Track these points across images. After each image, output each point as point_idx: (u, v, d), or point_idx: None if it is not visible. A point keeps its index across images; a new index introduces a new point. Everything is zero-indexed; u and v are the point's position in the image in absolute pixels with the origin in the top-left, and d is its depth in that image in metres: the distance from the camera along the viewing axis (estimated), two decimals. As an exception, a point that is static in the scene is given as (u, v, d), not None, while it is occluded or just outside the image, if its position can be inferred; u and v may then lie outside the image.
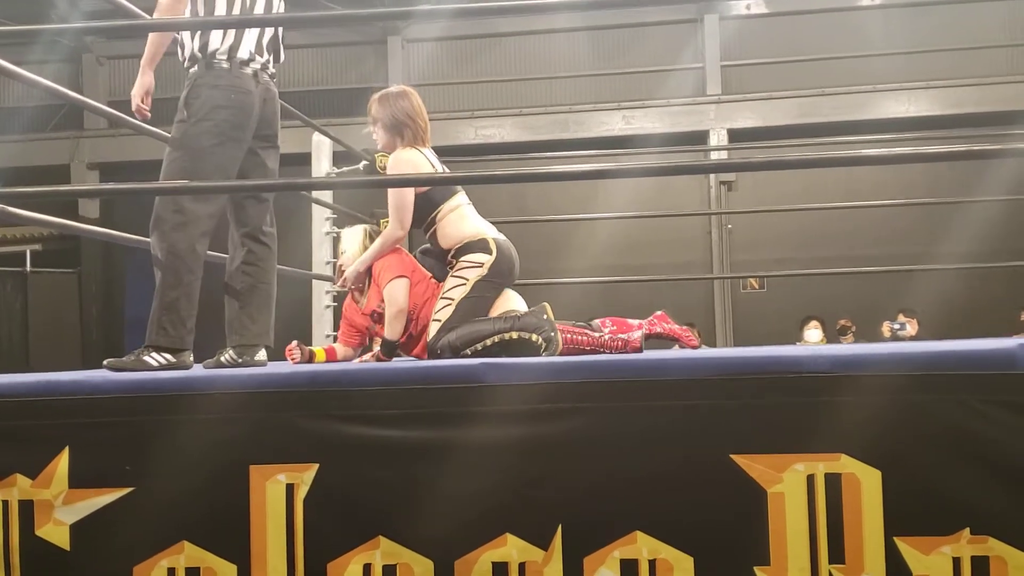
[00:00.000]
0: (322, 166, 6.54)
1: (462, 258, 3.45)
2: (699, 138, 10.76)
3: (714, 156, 10.30)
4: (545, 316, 3.27)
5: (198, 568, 2.23)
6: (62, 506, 2.27)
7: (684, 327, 3.64)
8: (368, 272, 3.65)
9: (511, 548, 2.16)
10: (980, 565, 2.04)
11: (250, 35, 3.29)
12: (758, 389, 2.16)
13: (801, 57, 10.72)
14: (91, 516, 2.26)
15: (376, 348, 3.58)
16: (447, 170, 3.76)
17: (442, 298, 3.41)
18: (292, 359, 3.64)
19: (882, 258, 8.94)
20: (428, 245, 3.63)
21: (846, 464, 2.09)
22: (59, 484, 2.27)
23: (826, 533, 2.08)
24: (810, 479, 2.10)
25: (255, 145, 3.36)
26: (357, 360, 3.66)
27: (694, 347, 3.68)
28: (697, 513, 2.13)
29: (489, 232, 3.51)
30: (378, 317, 3.61)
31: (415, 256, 3.75)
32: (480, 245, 3.45)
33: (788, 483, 2.10)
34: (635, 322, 3.53)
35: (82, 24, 9.40)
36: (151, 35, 3.29)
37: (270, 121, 3.41)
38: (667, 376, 2.24)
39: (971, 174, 8.21)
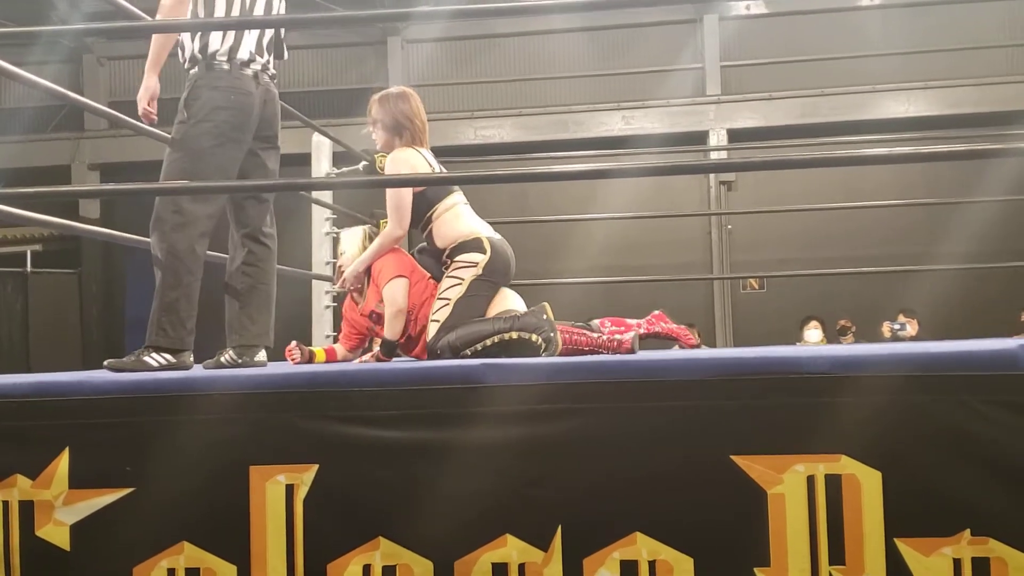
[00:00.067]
0: (322, 166, 6.55)
1: (456, 258, 3.46)
2: (699, 138, 10.76)
3: (714, 156, 10.30)
4: (545, 316, 3.27)
5: (198, 569, 2.23)
6: (62, 506, 2.27)
7: (682, 326, 3.65)
8: (367, 272, 3.65)
9: (511, 549, 2.16)
10: (981, 566, 2.04)
11: (250, 36, 3.29)
12: (758, 390, 2.16)
13: (800, 57, 10.73)
14: (91, 516, 2.26)
15: (376, 348, 3.58)
16: (444, 170, 3.76)
17: (439, 298, 3.42)
18: (292, 360, 3.65)
19: (882, 258, 8.94)
20: (425, 244, 3.63)
21: (846, 465, 2.08)
22: (59, 484, 2.27)
23: (826, 534, 2.08)
24: (810, 480, 2.10)
25: (255, 146, 3.36)
26: (357, 361, 3.66)
27: (692, 346, 3.68)
28: (697, 514, 2.13)
29: (484, 231, 3.51)
30: (377, 317, 3.61)
31: (413, 256, 3.75)
32: (474, 244, 3.46)
33: (788, 484, 2.10)
34: (633, 322, 3.53)
35: (83, 25, 9.39)
36: (154, 38, 3.29)
37: (270, 122, 3.41)
38: (667, 377, 2.24)
39: (971, 174, 8.20)
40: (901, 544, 2.06)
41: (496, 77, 11.62)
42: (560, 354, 3.21)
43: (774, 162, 2.98)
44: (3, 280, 11.04)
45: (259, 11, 3.34)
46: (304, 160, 6.48)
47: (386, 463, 2.21)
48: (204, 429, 2.27)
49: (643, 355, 2.99)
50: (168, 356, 3.10)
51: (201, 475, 2.25)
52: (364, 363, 3.49)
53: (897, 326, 8.36)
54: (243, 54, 3.27)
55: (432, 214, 3.52)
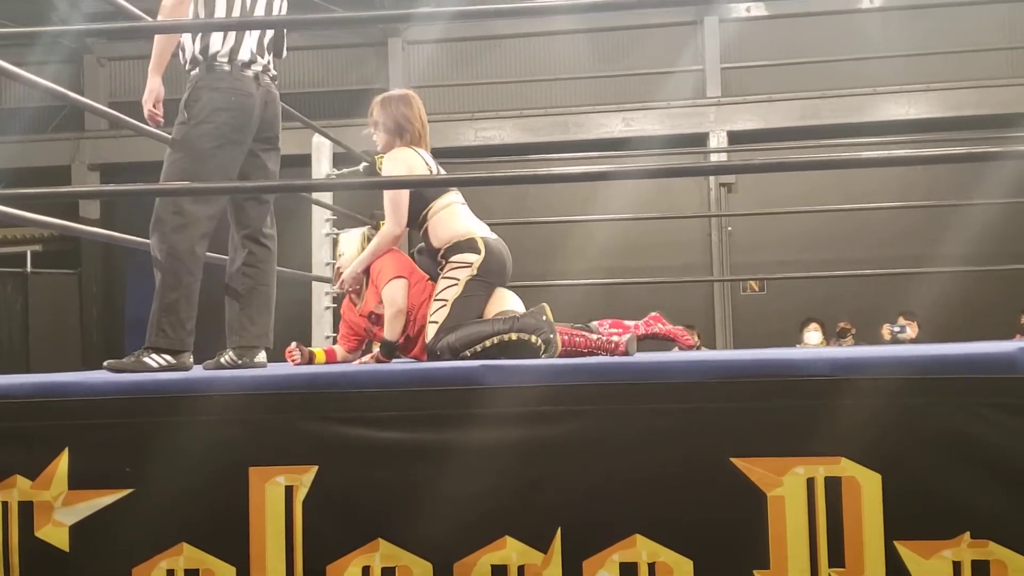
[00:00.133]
0: (322, 167, 6.55)
1: (451, 258, 3.46)
2: (699, 140, 10.77)
3: (714, 158, 10.30)
4: (544, 317, 3.27)
5: (197, 570, 2.23)
6: (62, 507, 2.27)
7: (680, 327, 3.65)
8: (366, 273, 3.65)
9: (510, 551, 2.16)
10: (980, 569, 2.04)
11: (251, 37, 3.29)
12: (758, 392, 2.16)
13: (801, 59, 10.73)
14: (90, 517, 2.26)
15: (376, 349, 3.58)
16: (443, 171, 3.77)
17: (436, 299, 3.42)
18: (292, 361, 3.64)
19: (882, 261, 8.94)
20: (423, 245, 3.64)
21: (846, 467, 2.08)
22: (59, 485, 2.27)
23: (826, 537, 2.08)
24: (810, 482, 2.09)
25: (256, 147, 3.36)
26: (357, 362, 3.66)
27: (690, 346, 3.69)
28: (697, 516, 2.13)
29: (479, 231, 3.51)
30: (376, 318, 3.61)
31: (412, 256, 3.76)
32: (468, 245, 3.46)
33: (788, 486, 2.10)
34: (631, 323, 3.54)
35: (83, 26, 9.40)
36: (156, 40, 3.29)
37: (271, 123, 3.41)
38: (667, 379, 2.24)
39: (971, 177, 8.22)
40: (901, 547, 2.06)
41: (497, 78, 11.62)
42: (559, 355, 3.21)
43: (774, 164, 2.99)
44: (3, 280, 11.04)
45: (260, 12, 3.34)
46: (304, 161, 6.48)
47: (386, 464, 2.21)
48: (204, 430, 2.27)
49: (643, 357, 2.99)
50: (168, 357, 3.10)
51: (200, 476, 2.25)
52: (364, 364, 3.49)
53: (897, 328, 8.37)
54: (244, 55, 3.27)
55: (427, 212, 3.52)
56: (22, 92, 11.71)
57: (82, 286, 11.96)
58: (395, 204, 3.52)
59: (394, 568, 2.18)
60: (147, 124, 3.45)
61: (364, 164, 6.54)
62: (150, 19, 3.86)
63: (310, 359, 3.68)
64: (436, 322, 3.36)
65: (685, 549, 2.12)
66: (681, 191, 10.68)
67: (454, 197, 3.57)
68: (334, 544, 2.21)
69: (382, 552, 2.19)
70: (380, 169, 3.89)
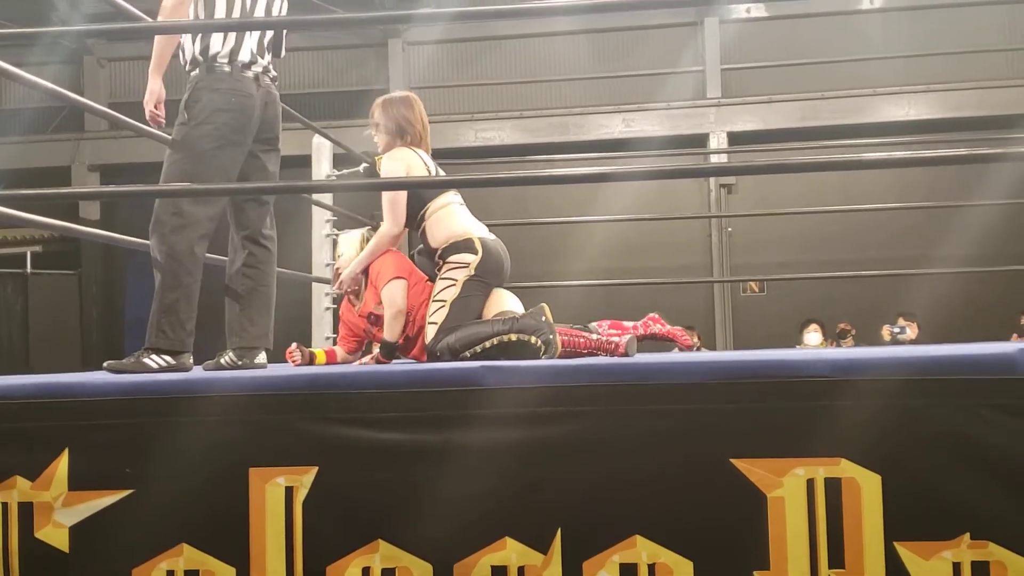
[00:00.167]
0: (322, 168, 6.55)
1: (448, 259, 3.46)
2: (699, 141, 10.77)
3: (714, 159, 10.30)
4: (544, 318, 3.27)
5: (197, 571, 2.23)
6: (61, 508, 2.27)
7: (678, 328, 3.65)
8: (364, 274, 3.65)
9: (510, 552, 2.16)
10: (980, 570, 2.04)
11: (251, 38, 3.29)
12: (758, 393, 2.16)
13: (801, 60, 10.74)
14: (90, 518, 2.26)
15: (375, 350, 3.58)
16: (441, 172, 3.77)
17: (434, 300, 3.42)
18: (293, 362, 3.64)
19: (882, 261, 8.94)
20: (422, 246, 3.64)
21: (846, 468, 2.08)
22: (59, 486, 2.27)
23: (826, 538, 2.08)
24: (810, 483, 2.09)
25: (256, 148, 3.36)
26: (357, 363, 3.66)
27: (689, 346, 3.70)
28: (697, 517, 2.13)
29: (476, 231, 3.51)
30: (375, 319, 3.61)
31: (412, 258, 3.76)
32: (465, 245, 3.46)
33: (788, 487, 2.10)
34: (630, 324, 3.54)
35: (84, 27, 9.40)
36: (156, 41, 3.30)
37: (271, 124, 3.41)
38: (667, 380, 2.24)
39: (971, 178, 8.21)
40: (901, 548, 2.06)
41: (497, 79, 11.63)
42: (559, 356, 3.22)
43: (774, 166, 2.99)
44: (3, 281, 11.05)
45: (260, 12, 3.34)
46: (304, 162, 6.48)
47: (386, 465, 2.21)
48: (204, 431, 2.27)
49: (643, 358, 2.99)
50: (168, 358, 3.10)
51: (201, 477, 2.25)
52: (364, 365, 3.49)
53: (897, 329, 8.37)
54: (244, 56, 3.27)
55: (425, 212, 3.53)
56: (22, 93, 11.71)
57: (82, 287, 11.97)
58: (393, 204, 3.53)
59: (394, 569, 2.18)
60: (147, 125, 3.45)
61: (364, 165, 6.54)
62: (150, 20, 3.86)
63: (310, 360, 3.68)
64: (435, 323, 3.36)
65: (685, 550, 2.12)
66: (681, 192, 10.69)
67: (452, 197, 3.57)
68: (334, 545, 2.21)
69: (382, 553, 2.19)
70: (380, 170, 3.89)
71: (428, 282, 3.56)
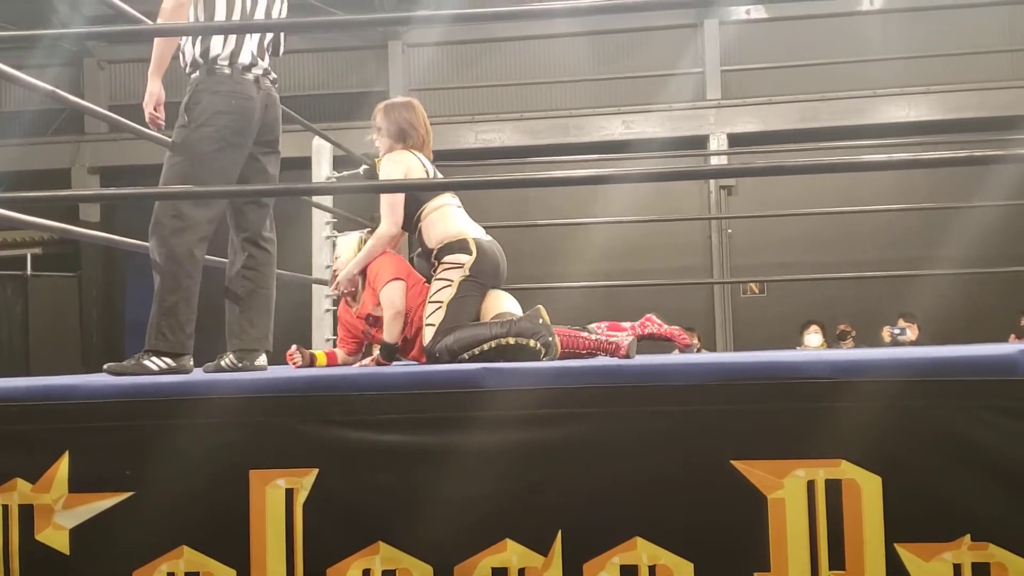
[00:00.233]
0: (322, 170, 6.55)
1: (443, 259, 3.46)
2: (699, 143, 10.76)
3: (714, 161, 10.29)
4: (541, 320, 3.27)
5: (197, 572, 2.23)
6: (62, 510, 2.27)
7: (675, 327, 3.65)
8: (362, 275, 3.65)
9: (511, 554, 2.15)
10: (981, 571, 2.04)
11: (251, 40, 3.29)
12: (758, 394, 2.16)
13: (801, 62, 10.74)
14: (91, 520, 2.26)
15: (376, 352, 3.58)
16: (439, 174, 3.78)
17: (431, 302, 3.41)
18: (293, 364, 3.64)
19: (882, 263, 8.94)
20: (419, 248, 3.64)
21: (846, 470, 2.08)
22: (59, 488, 2.27)
23: (826, 539, 2.08)
24: (810, 485, 2.09)
25: (256, 151, 3.36)
26: (357, 364, 3.66)
27: (687, 345, 3.70)
28: (697, 519, 2.13)
29: (471, 232, 3.51)
30: (373, 320, 3.61)
31: (411, 259, 3.76)
32: (460, 245, 3.46)
33: (788, 489, 2.10)
34: (627, 325, 3.54)
35: (84, 29, 9.41)
36: (156, 43, 3.30)
37: (271, 127, 3.41)
38: (667, 381, 2.24)
39: (971, 179, 8.21)
40: (901, 549, 2.06)
41: (497, 81, 11.62)
42: (559, 357, 3.22)
43: (774, 167, 2.99)
44: (3, 283, 11.04)
45: (260, 14, 3.34)
46: (304, 164, 6.48)
47: (386, 467, 2.21)
48: (204, 433, 2.27)
49: (643, 359, 2.99)
50: (168, 360, 3.10)
51: (201, 479, 2.25)
52: (364, 367, 3.49)
53: (897, 331, 8.37)
54: (245, 58, 3.27)
55: (420, 214, 3.53)
56: (22, 95, 11.70)
57: (82, 289, 11.96)
58: (391, 205, 3.53)
59: (394, 571, 2.18)
60: (147, 127, 3.45)
61: (364, 167, 6.54)
62: (150, 22, 3.86)
63: (311, 362, 3.68)
64: (432, 324, 3.36)
65: (685, 551, 2.12)
66: (681, 193, 10.67)
67: (448, 199, 3.57)
68: (335, 547, 2.21)
69: (382, 555, 2.19)
70: (379, 172, 3.90)
71: (426, 283, 3.56)
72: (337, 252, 3.86)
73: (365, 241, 3.71)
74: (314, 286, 6.49)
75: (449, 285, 3.39)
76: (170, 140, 3.33)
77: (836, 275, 8.75)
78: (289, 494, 2.23)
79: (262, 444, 2.26)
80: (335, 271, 3.82)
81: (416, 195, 3.53)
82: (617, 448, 2.17)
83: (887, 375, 2.14)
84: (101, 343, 11.78)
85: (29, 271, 11.47)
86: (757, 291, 10.99)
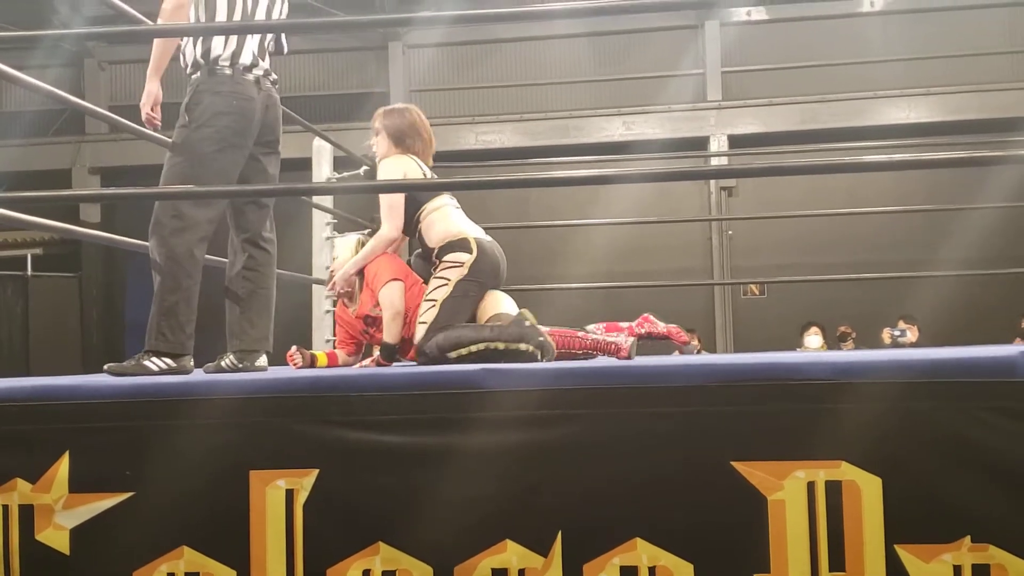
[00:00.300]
0: (322, 171, 6.55)
1: (444, 258, 3.46)
2: (699, 144, 10.77)
3: (714, 162, 10.29)
4: (527, 323, 3.27)
5: (198, 573, 2.23)
6: (62, 511, 2.27)
7: (672, 325, 3.66)
8: (360, 276, 3.66)
9: (511, 554, 2.15)
10: (981, 573, 2.04)
11: (252, 41, 3.29)
12: (758, 396, 2.16)
13: (801, 63, 10.75)
14: (91, 521, 2.26)
15: (376, 353, 3.58)
16: (436, 176, 3.78)
17: (426, 300, 3.41)
18: (294, 365, 3.64)
19: (882, 264, 8.94)
20: (420, 249, 3.64)
21: (846, 471, 2.08)
22: (59, 488, 2.27)
23: (826, 540, 2.08)
24: (810, 486, 2.09)
25: (256, 151, 3.36)
26: (357, 365, 3.66)
27: (684, 342, 3.70)
28: (697, 520, 2.13)
29: (472, 232, 3.51)
30: (371, 321, 3.61)
31: (411, 260, 3.76)
32: (460, 244, 3.45)
33: (788, 490, 2.10)
34: (625, 325, 3.54)
35: (84, 29, 9.42)
36: (155, 43, 3.30)
37: (272, 127, 3.41)
38: (667, 383, 2.23)
39: (971, 181, 8.21)
40: (901, 550, 2.06)
41: (497, 82, 11.63)
42: (556, 357, 3.22)
43: (774, 168, 2.99)
44: (3, 284, 11.05)
45: (261, 15, 3.34)
46: (305, 165, 6.48)
47: (386, 468, 2.21)
48: (204, 433, 2.27)
49: (643, 360, 2.99)
50: (168, 360, 3.10)
51: (201, 479, 2.25)
52: (365, 367, 3.49)
53: (897, 332, 8.37)
54: (246, 59, 3.27)
55: (420, 215, 3.53)
56: (23, 96, 11.72)
57: (82, 289, 11.97)
58: (391, 208, 3.53)
59: (395, 571, 2.18)
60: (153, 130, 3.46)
61: (364, 168, 6.54)
62: (150, 23, 3.86)
63: (312, 362, 3.68)
64: (425, 322, 3.36)
65: (685, 553, 2.12)
66: (682, 195, 10.68)
67: (446, 199, 3.58)
68: (335, 548, 2.20)
69: (382, 556, 2.19)
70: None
71: (424, 284, 3.57)
72: (335, 253, 3.87)
73: (363, 243, 3.71)
74: (314, 287, 6.49)
75: (446, 284, 3.39)
76: (170, 140, 3.33)
77: (836, 277, 8.76)
78: (289, 495, 2.23)
79: (262, 445, 2.26)
80: (332, 271, 3.82)
81: (415, 197, 3.53)
82: (617, 449, 2.17)
83: (887, 376, 2.14)
84: (101, 343, 11.79)
85: (30, 271, 11.48)
86: (757, 292, 11.00)
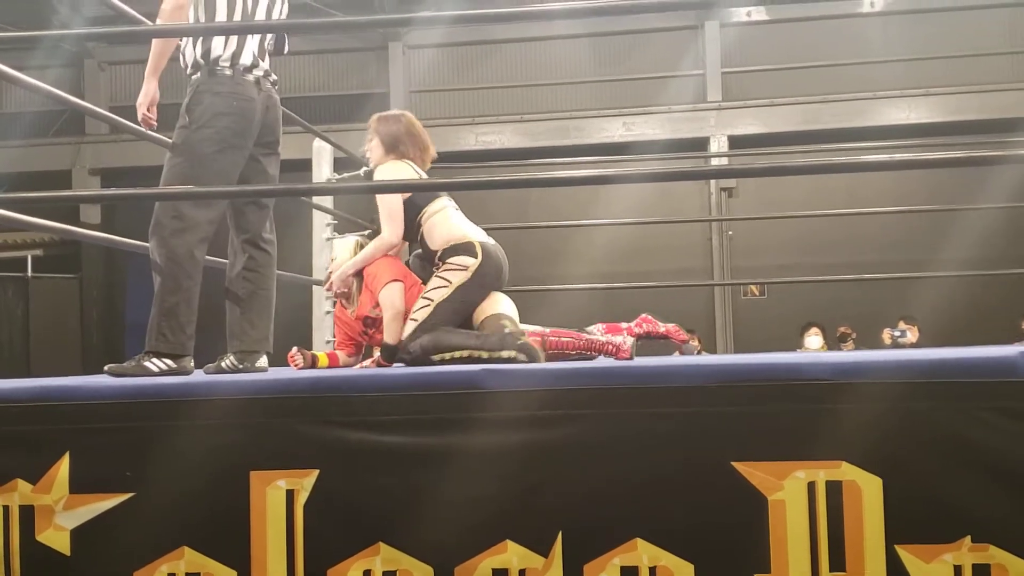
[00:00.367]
0: (323, 172, 6.55)
1: (448, 259, 3.45)
2: (699, 145, 10.77)
3: (715, 162, 10.30)
4: (507, 330, 3.27)
5: (198, 573, 2.23)
6: (63, 511, 2.27)
7: (671, 325, 3.66)
8: (359, 278, 3.65)
9: (511, 555, 2.15)
10: (981, 573, 2.04)
11: (252, 41, 3.29)
12: (759, 396, 2.16)
13: (802, 64, 10.74)
14: (92, 521, 2.26)
15: (377, 354, 3.58)
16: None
17: (422, 297, 3.40)
18: (295, 365, 3.64)
19: (883, 265, 8.94)
20: (420, 250, 3.64)
21: (847, 472, 2.08)
22: (60, 489, 2.27)
23: (827, 541, 2.08)
24: (811, 486, 2.09)
25: (256, 152, 3.36)
26: (358, 366, 3.66)
27: (683, 341, 3.70)
28: (698, 520, 2.13)
29: (476, 235, 3.50)
30: (371, 322, 3.61)
31: (410, 261, 3.76)
32: (465, 248, 3.45)
33: (789, 490, 2.10)
34: (624, 325, 3.54)
35: (84, 30, 9.42)
36: (154, 44, 3.30)
37: (272, 128, 3.42)
38: (668, 383, 2.23)
39: (972, 181, 8.21)
40: (902, 551, 2.06)
41: (497, 83, 11.63)
42: (553, 358, 3.22)
43: (775, 168, 3.00)
44: (4, 285, 11.05)
45: (261, 15, 3.34)
46: (305, 166, 6.48)
47: (387, 468, 2.21)
48: (205, 434, 2.27)
49: (643, 361, 2.99)
50: (169, 361, 3.11)
51: (202, 480, 2.25)
52: (365, 368, 3.49)
53: (897, 333, 8.36)
54: (246, 59, 3.27)
55: (421, 218, 3.52)
56: (23, 96, 11.72)
57: (83, 290, 11.97)
58: (391, 213, 3.52)
59: (395, 572, 2.18)
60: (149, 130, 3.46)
61: (364, 168, 6.53)
62: (150, 23, 3.86)
63: (313, 363, 3.68)
64: (416, 320, 3.35)
65: (686, 553, 2.12)
66: (682, 195, 10.68)
67: (446, 202, 3.57)
68: (335, 548, 2.21)
69: (383, 556, 2.19)
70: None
71: (423, 285, 3.56)
72: (333, 254, 3.87)
73: (361, 245, 3.71)
74: (314, 287, 6.49)
75: (445, 286, 3.38)
76: (170, 141, 3.33)
77: (837, 277, 8.76)
78: (290, 495, 2.23)
79: (263, 445, 2.26)
80: (330, 272, 3.82)
81: (415, 201, 3.52)
82: (618, 449, 2.17)
83: (887, 377, 2.14)
84: (101, 344, 11.79)
85: (30, 272, 11.48)
86: (757, 293, 11.00)
